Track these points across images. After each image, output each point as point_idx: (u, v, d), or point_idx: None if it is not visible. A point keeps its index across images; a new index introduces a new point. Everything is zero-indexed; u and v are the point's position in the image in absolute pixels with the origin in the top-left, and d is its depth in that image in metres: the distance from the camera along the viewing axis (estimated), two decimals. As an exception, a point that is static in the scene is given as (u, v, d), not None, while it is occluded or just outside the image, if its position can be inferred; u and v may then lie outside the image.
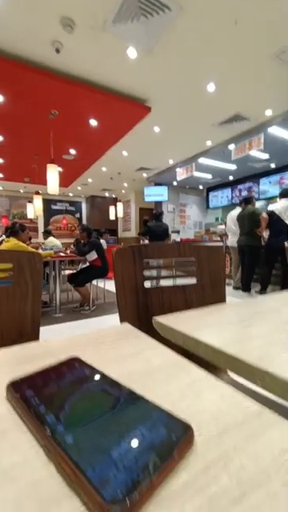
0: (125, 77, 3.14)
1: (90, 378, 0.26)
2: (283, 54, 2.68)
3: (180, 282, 0.85)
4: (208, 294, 0.87)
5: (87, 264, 3.63)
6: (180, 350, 0.35)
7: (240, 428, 0.19)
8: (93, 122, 4.05)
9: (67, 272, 5.09)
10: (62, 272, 4.47)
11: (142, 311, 0.74)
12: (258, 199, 7.10)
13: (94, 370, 0.27)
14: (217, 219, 9.09)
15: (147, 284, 0.77)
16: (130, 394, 0.22)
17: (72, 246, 6.74)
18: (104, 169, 6.82)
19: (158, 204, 8.64)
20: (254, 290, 4.03)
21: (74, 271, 4.78)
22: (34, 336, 0.99)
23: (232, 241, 4.49)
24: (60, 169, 5.79)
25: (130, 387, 0.24)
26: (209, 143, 5.21)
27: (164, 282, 0.86)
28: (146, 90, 3.40)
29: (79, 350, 0.34)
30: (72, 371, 0.27)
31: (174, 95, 3.52)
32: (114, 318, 2.98)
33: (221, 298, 0.88)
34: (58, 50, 2.63)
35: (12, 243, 3.02)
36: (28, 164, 6.06)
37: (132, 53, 2.71)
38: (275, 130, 4.48)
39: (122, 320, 0.70)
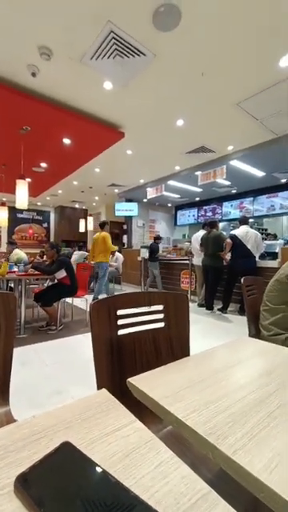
0: (100, 104, 3.27)
1: (83, 469, 0.32)
2: (242, 103, 3.06)
3: (150, 326, 0.94)
4: (174, 337, 0.97)
5: (55, 281, 3.55)
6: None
7: (193, 510, 0.28)
8: (66, 141, 4.09)
9: (32, 286, 4.91)
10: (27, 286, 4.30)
11: (115, 360, 0.81)
12: (221, 220, 7.65)
13: (85, 458, 0.34)
14: (184, 236, 9.53)
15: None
16: (116, 486, 0.30)
17: (39, 258, 6.51)
18: (75, 182, 6.80)
19: (128, 219, 8.81)
20: (217, 308, 4.30)
21: (40, 286, 4.63)
22: (5, 377, 0.99)
23: (197, 260, 4.77)
24: (29, 179, 5.65)
25: (113, 474, 0.32)
26: (177, 168, 5.56)
27: (136, 327, 0.95)
28: (120, 117, 3.56)
29: (67, 429, 0.41)
30: (67, 460, 0.34)
31: (146, 125, 3.75)
32: (81, 340, 2.95)
33: (186, 341, 0.99)
34: (34, 74, 2.67)
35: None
36: (-6, 172, 5.81)
37: (108, 85, 2.86)
38: (236, 163, 4.97)
39: (98, 373, 0.76)
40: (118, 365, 0.82)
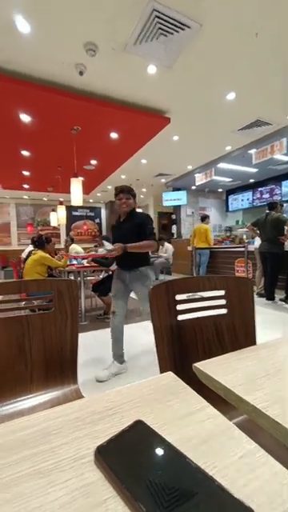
0: (145, 91, 3.22)
1: (160, 450, 0.31)
2: (306, 60, 2.63)
3: (211, 312, 0.88)
4: (238, 324, 0.90)
5: (110, 272, 3.73)
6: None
7: (294, 514, 0.24)
8: (113, 135, 4.17)
9: (89, 278, 5.27)
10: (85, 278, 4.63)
11: (176, 345, 0.79)
12: (281, 201, 6.89)
13: (161, 439, 0.32)
14: (237, 222, 8.92)
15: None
16: (198, 472, 0.28)
17: (96, 248, 6.92)
18: (123, 176, 6.95)
19: (177, 208, 8.65)
20: (279, 298, 3.93)
21: (97, 277, 4.94)
22: (72, 357, 1.07)
23: (256, 245, 4.41)
24: (82, 178, 6.00)
25: (192, 459, 0.29)
26: (228, 148, 5.17)
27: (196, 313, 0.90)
28: (165, 101, 3.46)
29: (138, 408, 0.40)
30: (142, 438, 0.33)
31: (193, 105, 3.55)
32: (136, 328, 3.03)
33: (251, 328, 0.91)
34: (81, 73, 2.76)
35: (38, 256, 3.21)
36: (52, 175, 6.34)
37: (152, 69, 2.79)
38: (298, 133, 4.36)
39: (160, 357, 0.75)
40: (180, 350, 0.80)
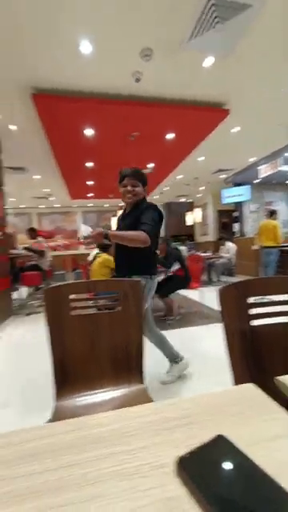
0: (201, 86, 3.12)
1: (249, 474, 0.27)
2: None
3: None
4: None
5: (170, 273, 3.72)
6: None
7: None
8: (170, 136, 4.17)
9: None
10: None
11: (250, 353, 0.72)
12: None
13: (247, 459, 0.29)
14: (311, 215, 7.79)
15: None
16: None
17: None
18: (180, 176, 6.89)
19: (238, 205, 8.09)
20: None
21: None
22: (138, 356, 1.09)
23: None
24: (139, 183, 6.18)
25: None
26: (299, 132, 4.56)
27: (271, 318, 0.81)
28: (222, 93, 3.28)
29: (216, 420, 0.37)
30: (226, 455, 0.30)
31: (255, 91, 3.27)
32: (199, 331, 2.93)
33: None
34: (138, 80, 2.85)
35: (103, 258, 3.43)
36: (112, 182, 6.73)
37: (209, 61, 2.68)
38: None
39: (233, 365, 0.69)
40: (255, 359, 0.73)
